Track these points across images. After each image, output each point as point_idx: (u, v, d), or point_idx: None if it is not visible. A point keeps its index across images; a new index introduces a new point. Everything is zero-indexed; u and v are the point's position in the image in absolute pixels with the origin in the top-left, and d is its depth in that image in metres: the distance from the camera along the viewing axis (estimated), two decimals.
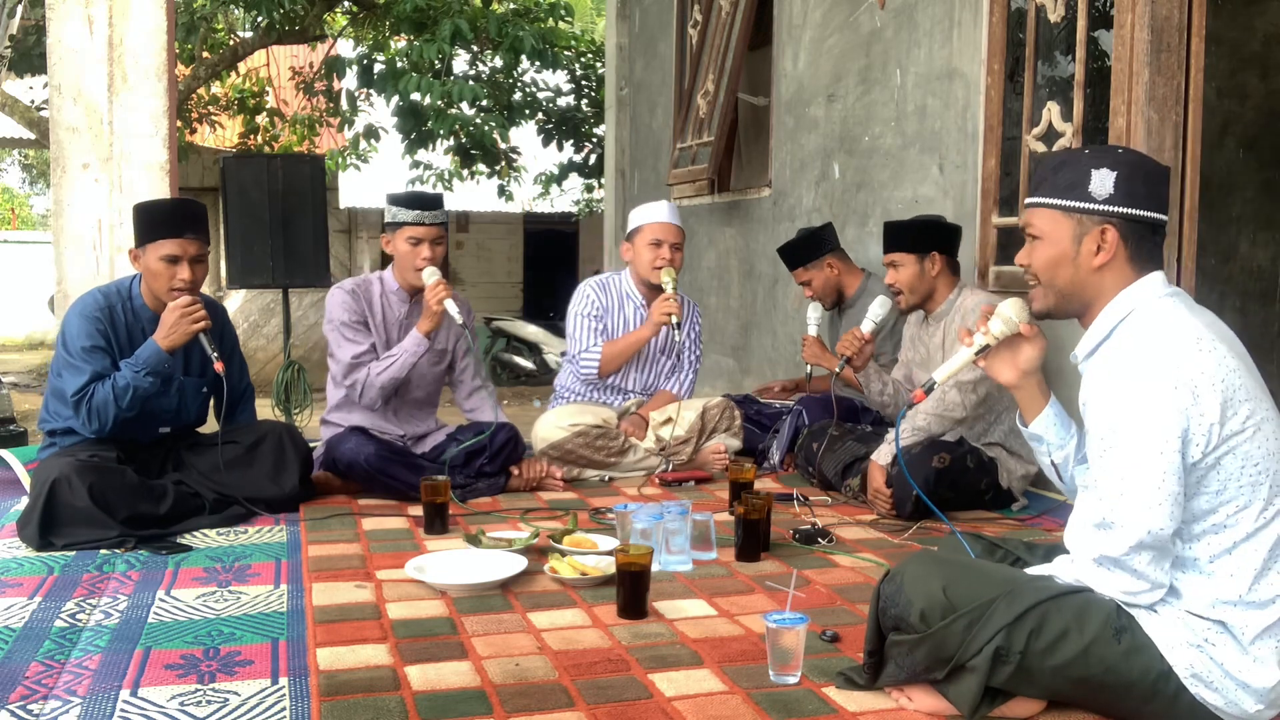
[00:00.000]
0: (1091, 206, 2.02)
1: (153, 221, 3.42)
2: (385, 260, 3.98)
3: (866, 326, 3.88)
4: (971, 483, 3.60)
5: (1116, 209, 2.01)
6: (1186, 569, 1.94)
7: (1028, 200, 2.13)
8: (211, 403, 3.76)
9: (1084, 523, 1.98)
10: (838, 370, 3.89)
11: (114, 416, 3.36)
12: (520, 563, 2.85)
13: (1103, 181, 2.00)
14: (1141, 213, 2.01)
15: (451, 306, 3.79)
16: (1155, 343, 1.93)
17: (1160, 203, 2.03)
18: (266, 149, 11.85)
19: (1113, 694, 1.94)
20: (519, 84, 12.14)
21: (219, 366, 3.46)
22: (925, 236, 3.78)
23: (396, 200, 3.90)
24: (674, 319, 4.13)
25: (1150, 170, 2.04)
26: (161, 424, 3.58)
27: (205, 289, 3.49)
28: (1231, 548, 1.91)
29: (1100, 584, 1.95)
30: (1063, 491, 2.29)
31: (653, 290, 4.34)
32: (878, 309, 3.92)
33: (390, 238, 3.90)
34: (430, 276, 3.82)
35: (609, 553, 2.91)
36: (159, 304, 3.46)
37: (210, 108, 12.08)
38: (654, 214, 4.33)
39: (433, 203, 3.89)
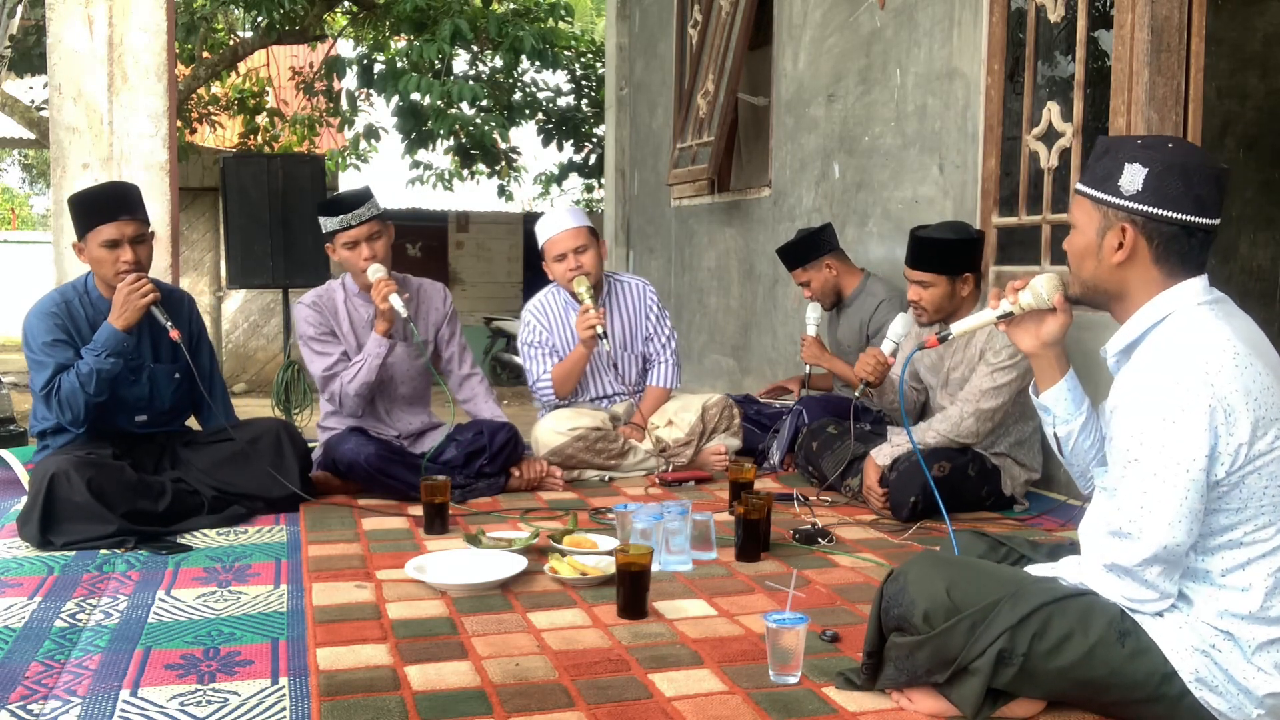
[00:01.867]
0: (1117, 201, 1.95)
1: (87, 210, 3.45)
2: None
3: (887, 348, 3.70)
4: (971, 490, 3.58)
5: (1140, 207, 1.93)
6: (1198, 580, 1.92)
7: (1075, 185, 2.09)
8: (199, 392, 3.76)
9: (1100, 528, 1.96)
10: (856, 395, 3.72)
11: (84, 403, 3.37)
12: (520, 563, 2.85)
13: (1133, 177, 1.93)
14: (1169, 214, 1.92)
15: (396, 301, 3.74)
16: (1190, 355, 1.86)
17: (1199, 205, 1.92)
18: (266, 149, 11.84)
19: (1116, 696, 1.94)
20: (519, 84, 12.14)
21: (175, 334, 3.46)
22: (961, 258, 3.57)
23: (322, 209, 3.86)
24: (599, 329, 4.01)
25: (1192, 169, 1.92)
26: (136, 413, 3.58)
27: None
28: (1246, 563, 1.89)
29: (1107, 590, 1.94)
30: (1063, 463, 2.25)
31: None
32: (899, 327, 3.74)
33: (332, 247, 3.86)
34: (375, 274, 3.77)
35: (609, 553, 2.91)
36: (113, 292, 3.47)
37: (210, 108, 12.07)
38: (549, 227, 4.20)
39: (355, 201, 3.81)
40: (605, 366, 4.36)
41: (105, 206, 3.43)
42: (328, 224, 3.82)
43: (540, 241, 4.24)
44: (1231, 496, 1.87)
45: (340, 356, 3.88)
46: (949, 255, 3.57)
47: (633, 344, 4.39)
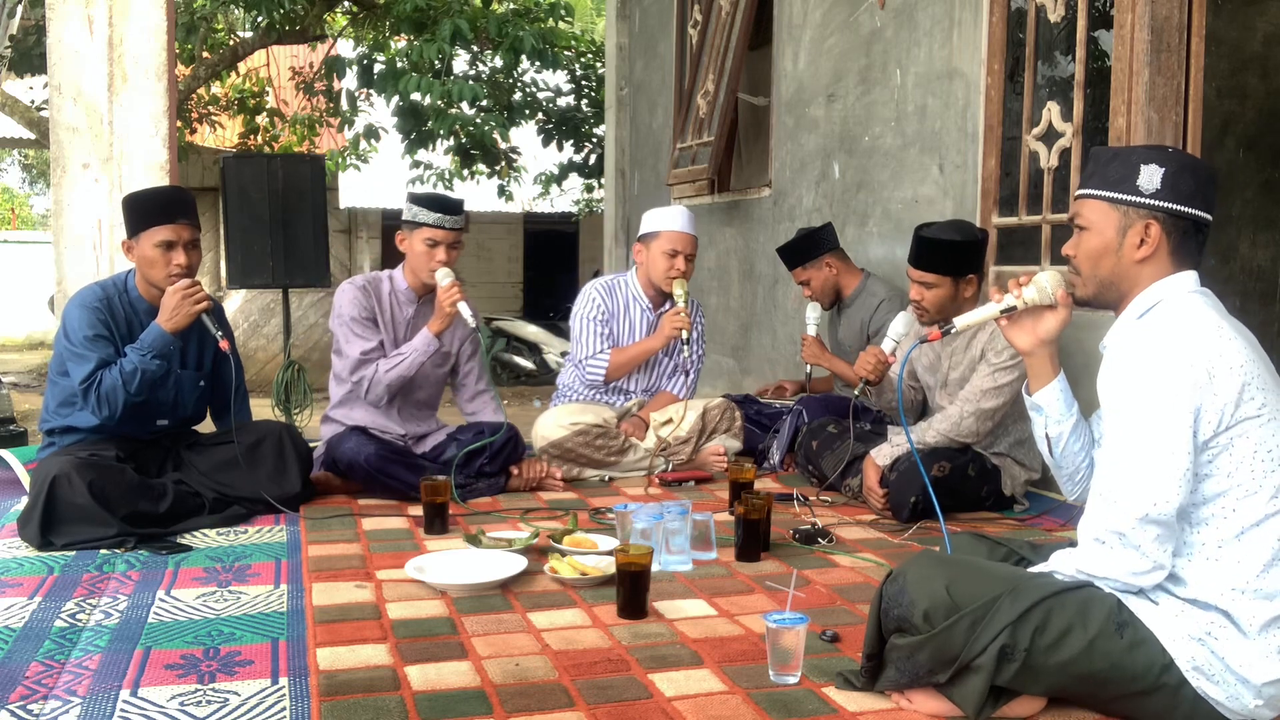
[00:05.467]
0: (1138, 200, 2.06)
1: (144, 210, 3.47)
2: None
3: (887, 345, 3.71)
4: (971, 490, 3.58)
5: (1162, 204, 2.05)
6: (1193, 556, 1.95)
7: (1078, 192, 2.17)
8: (219, 398, 3.77)
9: (1092, 499, 2.00)
10: (856, 393, 3.75)
11: (123, 401, 3.37)
12: (520, 563, 2.85)
13: (1151, 177, 2.05)
14: (1186, 209, 2.05)
15: (465, 309, 3.82)
16: (1175, 327, 1.97)
17: (1206, 202, 2.07)
18: (266, 149, 11.83)
19: (1116, 689, 1.95)
20: (519, 84, 12.13)
21: (224, 345, 3.49)
22: (966, 259, 3.52)
23: (418, 200, 3.90)
24: (684, 334, 4.13)
25: (1198, 169, 2.08)
26: (159, 417, 3.59)
27: (205, 289, 3.51)
28: (1240, 534, 1.92)
29: (1102, 566, 1.96)
30: (1051, 467, 2.31)
31: (661, 295, 4.35)
32: (899, 326, 3.73)
33: (407, 236, 3.90)
34: (444, 278, 3.82)
35: (609, 553, 2.91)
36: (155, 294, 3.48)
37: (210, 108, 12.07)
38: (672, 221, 4.29)
39: (455, 207, 3.90)
40: (659, 368, 4.43)
41: (163, 208, 3.46)
42: (420, 215, 3.85)
43: (653, 227, 4.31)
44: (1221, 461, 1.92)
45: (379, 344, 3.90)
46: (954, 256, 3.50)
47: (673, 355, 4.46)
